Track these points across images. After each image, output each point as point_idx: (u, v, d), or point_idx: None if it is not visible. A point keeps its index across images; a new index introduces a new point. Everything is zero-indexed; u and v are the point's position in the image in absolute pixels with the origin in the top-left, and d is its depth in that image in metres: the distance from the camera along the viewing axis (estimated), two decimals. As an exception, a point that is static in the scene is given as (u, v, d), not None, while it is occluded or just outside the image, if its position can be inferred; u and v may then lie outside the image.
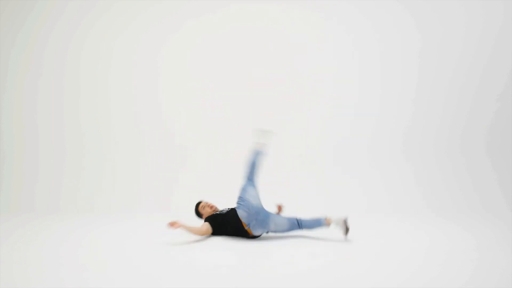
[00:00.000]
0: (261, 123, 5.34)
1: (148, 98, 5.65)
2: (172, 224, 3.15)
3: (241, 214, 3.38)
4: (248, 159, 3.66)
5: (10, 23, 5.75)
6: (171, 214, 4.50)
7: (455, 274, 2.47)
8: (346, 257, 2.90)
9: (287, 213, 3.84)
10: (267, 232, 3.46)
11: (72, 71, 5.73)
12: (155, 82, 5.68)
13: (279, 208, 3.87)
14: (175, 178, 5.35)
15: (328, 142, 5.39)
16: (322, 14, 5.61)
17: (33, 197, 5.35)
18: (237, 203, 3.47)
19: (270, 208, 3.63)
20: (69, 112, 5.68)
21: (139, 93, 5.67)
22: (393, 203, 4.94)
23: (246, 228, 3.38)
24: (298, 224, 3.41)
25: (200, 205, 3.80)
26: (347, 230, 3.33)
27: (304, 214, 3.58)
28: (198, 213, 3.80)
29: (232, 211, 3.46)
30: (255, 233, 3.39)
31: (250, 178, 3.58)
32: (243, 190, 3.52)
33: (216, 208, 3.77)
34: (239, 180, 3.63)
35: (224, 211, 3.57)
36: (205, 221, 3.54)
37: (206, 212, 3.73)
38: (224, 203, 3.83)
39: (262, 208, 3.44)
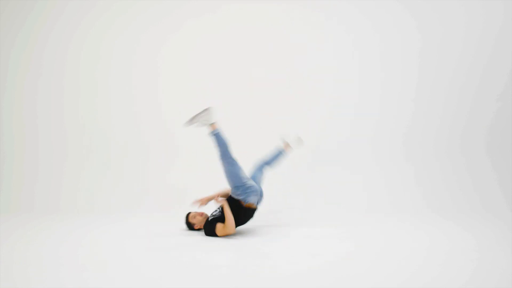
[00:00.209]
0: (261, 123, 5.41)
1: (148, 98, 5.65)
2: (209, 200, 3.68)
3: (252, 200, 3.54)
4: (266, 153, 4.13)
5: (10, 23, 5.75)
6: (171, 214, 4.52)
7: (455, 274, 2.47)
8: (346, 257, 2.90)
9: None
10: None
11: (72, 71, 5.73)
12: (155, 82, 5.68)
13: (286, 145, 4.21)
14: (175, 178, 5.34)
15: (328, 142, 5.39)
16: (322, 14, 5.60)
17: (33, 197, 5.35)
18: (240, 193, 3.51)
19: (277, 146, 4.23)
20: (69, 112, 5.68)
21: (139, 93, 5.67)
22: (393, 203, 4.94)
23: (244, 205, 3.51)
24: (269, 166, 4.05)
25: (190, 215, 3.77)
26: (300, 141, 4.22)
27: (263, 154, 4.16)
28: (189, 224, 3.75)
29: (237, 203, 3.51)
30: (252, 200, 3.54)
31: (228, 156, 3.64)
32: (235, 176, 3.57)
33: (206, 214, 3.75)
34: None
35: (217, 214, 3.54)
36: (216, 223, 3.47)
37: (198, 220, 3.70)
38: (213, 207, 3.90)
39: (258, 182, 3.74)
